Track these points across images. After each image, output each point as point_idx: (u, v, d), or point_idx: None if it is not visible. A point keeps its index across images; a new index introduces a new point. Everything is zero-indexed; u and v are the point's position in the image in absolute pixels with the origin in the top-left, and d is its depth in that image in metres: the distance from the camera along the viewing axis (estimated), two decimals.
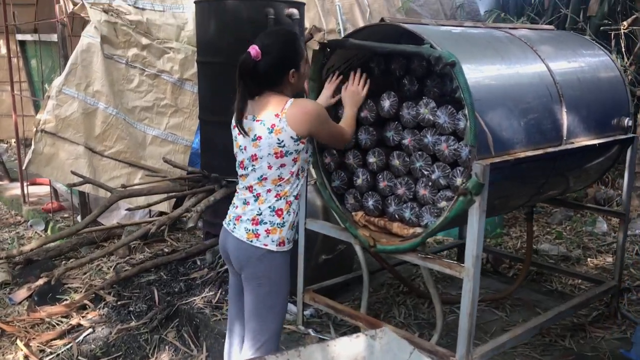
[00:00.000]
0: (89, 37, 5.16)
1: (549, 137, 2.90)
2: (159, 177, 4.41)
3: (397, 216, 2.95)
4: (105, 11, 5.25)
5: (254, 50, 2.33)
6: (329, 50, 3.03)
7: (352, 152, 3.10)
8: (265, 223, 2.44)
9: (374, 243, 2.92)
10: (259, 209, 2.45)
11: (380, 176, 3.00)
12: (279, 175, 2.42)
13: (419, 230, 2.81)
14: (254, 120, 2.41)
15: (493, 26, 3.27)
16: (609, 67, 3.44)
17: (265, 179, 2.43)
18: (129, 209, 4.25)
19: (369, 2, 7.78)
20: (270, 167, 2.42)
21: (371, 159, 3.02)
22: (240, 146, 2.49)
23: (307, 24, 6.76)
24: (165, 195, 4.32)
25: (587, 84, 3.19)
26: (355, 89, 2.87)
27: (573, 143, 3.03)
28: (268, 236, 2.44)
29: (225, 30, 3.97)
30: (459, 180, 2.63)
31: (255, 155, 2.42)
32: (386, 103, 2.92)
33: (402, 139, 2.90)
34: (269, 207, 2.44)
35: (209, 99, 4.21)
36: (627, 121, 3.37)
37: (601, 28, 6.10)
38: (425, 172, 2.80)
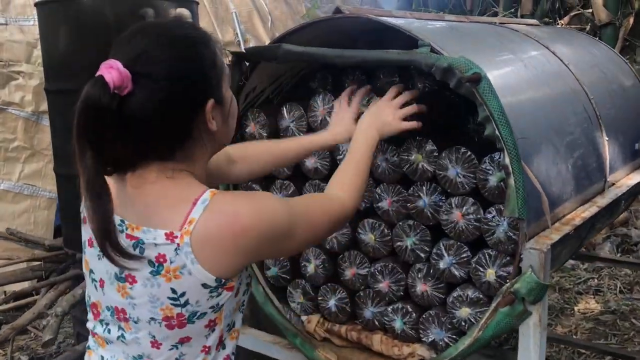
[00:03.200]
0: None
1: (594, 178, 1.92)
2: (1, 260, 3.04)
3: (378, 323, 1.85)
4: None
5: (112, 72, 1.05)
6: (248, 64, 1.89)
7: None
8: None
9: None
10: None
11: (344, 259, 1.89)
12: None
13: (422, 351, 1.72)
14: (122, 229, 1.14)
15: (480, 20, 2.27)
16: (626, 72, 2.54)
17: None
18: None
19: (270, 10, 6.69)
20: (155, 344, 1.18)
21: None
22: (91, 271, 1.24)
23: None
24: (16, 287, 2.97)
25: (618, 99, 2.26)
26: (388, 106, 1.60)
27: (614, 184, 2.08)
28: None
29: (82, 42, 2.71)
30: (490, 273, 1.57)
31: (123, 310, 1.19)
32: (347, 145, 1.81)
33: (377, 199, 1.81)
34: None
35: (66, 144, 2.90)
36: None
37: None
38: (423, 255, 1.73)
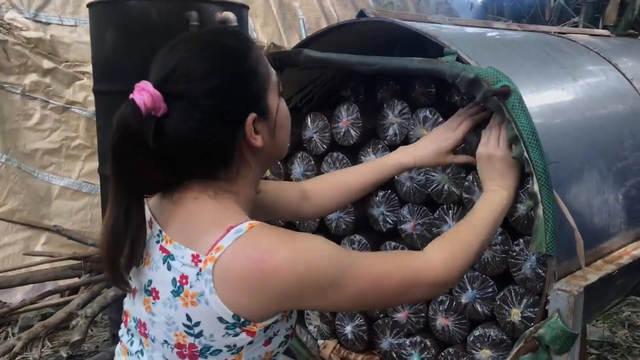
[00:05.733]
0: None
1: None
2: (43, 257, 3.08)
3: (395, 356, 1.69)
4: None
5: (144, 94, 0.99)
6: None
7: None
8: None
9: None
10: None
11: None
12: None
13: None
14: (158, 239, 1.07)
15: (536, 29, 2.06)
16: None
17: None
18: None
19: (339, 16, 6.61)
20: None
21: None
22: (130, 278, 1.12)
23: (265, 41, 5.56)
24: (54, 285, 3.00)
25: None
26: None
27: None
28: None
29: (128, 45, 2.70)
30: (515, 313, 1.38)
31: (144, 325, 1.09)
32: (371, 160, 1.68)
33: (401, 221, 1.65)
34: None
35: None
36: None
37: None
38: None
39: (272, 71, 1.11)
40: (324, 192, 1.46)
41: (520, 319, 1.37)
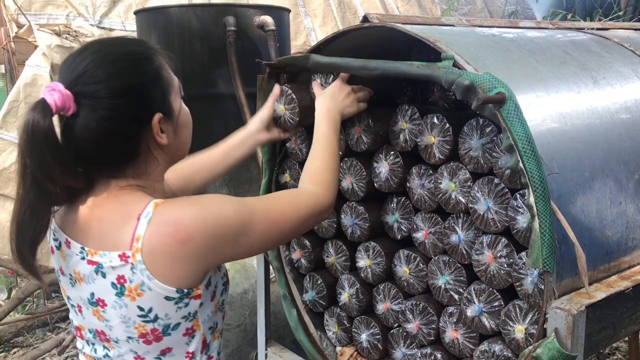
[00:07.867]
0: (34, 67, 4.09)
1: None
2: None
3: None
4: (58, 34, 4.18)
5: (54, 94, 1.04)
6: (285, 75, 1.78)
7: (334, 245, 1.83)
8: None
9: None
10: None
11: (379, 291, 1.72)
12: None
13: None
14: (83, 256, 1.13)
15: (571, 26, 1.95)
16: None
17: None
18: None
19: (401, 13, 6.52)
20: (139, 359, 1.17)
21: (362, 261, 1.74)
22: (69, 298, 1.23)
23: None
24: None
25: None
26: (343, 89, 1.57)
27: None
28: None
29: (169, 50, 2.77)
30: (519, 330, 1.32)
31: (103, 333, 1.18)
32: (382, 167, 1.64)
33: (414, 229, 1.61)
34: None
35: None
36: None
37: None
38: (457, 297, 1.51)
39: (174, 77, 1.20)
40: (185, 177, 1.53)
41: (524, 335, 1.30)
